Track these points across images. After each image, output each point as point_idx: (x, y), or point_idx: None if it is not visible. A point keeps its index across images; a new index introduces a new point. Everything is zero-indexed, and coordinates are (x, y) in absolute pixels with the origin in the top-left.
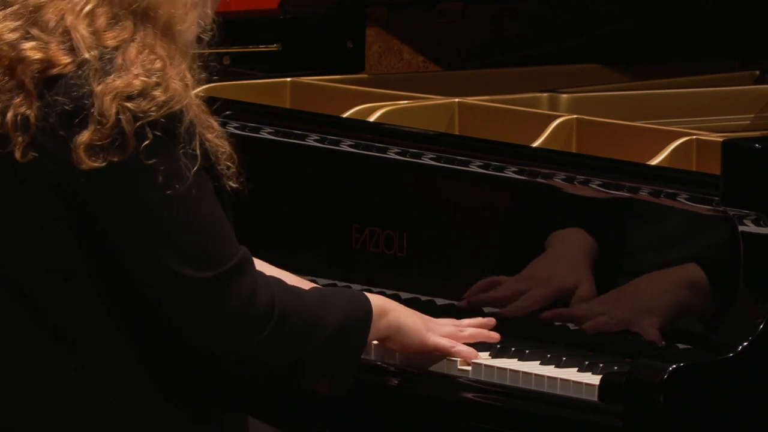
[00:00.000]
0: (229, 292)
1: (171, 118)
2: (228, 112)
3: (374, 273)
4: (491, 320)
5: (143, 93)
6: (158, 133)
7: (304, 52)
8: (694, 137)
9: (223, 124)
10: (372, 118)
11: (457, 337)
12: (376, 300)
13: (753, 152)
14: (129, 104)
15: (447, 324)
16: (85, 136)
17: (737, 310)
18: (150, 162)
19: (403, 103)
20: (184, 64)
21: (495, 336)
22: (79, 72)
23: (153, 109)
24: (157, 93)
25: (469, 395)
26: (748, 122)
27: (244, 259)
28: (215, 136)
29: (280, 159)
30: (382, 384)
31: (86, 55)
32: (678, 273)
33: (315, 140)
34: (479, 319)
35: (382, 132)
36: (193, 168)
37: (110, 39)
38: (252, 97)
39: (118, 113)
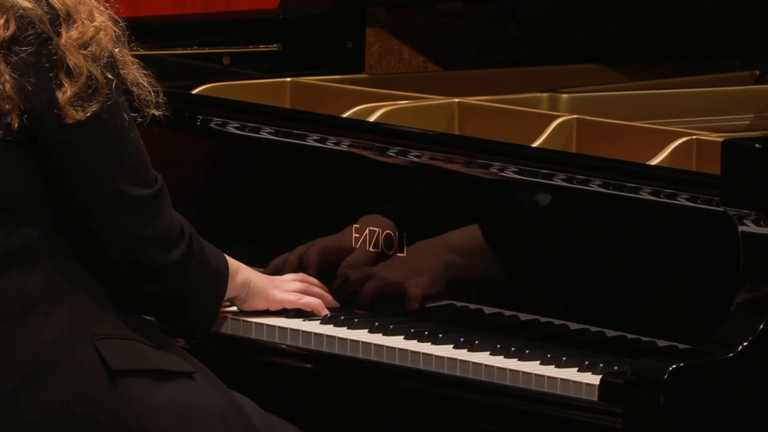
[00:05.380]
0: (160, 208)
1: (113, 57)
2: (227, 112)
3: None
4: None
5: (93, 39)
6: (115, 72)
7: (304, 52)
8: (694, 137)
9: (224, 124)
10: (372, 118)
11: (307, 292)
12: (229, 258)
13: (753, 152)
14: (87, 52)
15: (294, 280)
16: (67, 91)
17: (737, 310)
18: (121, 99)
19: (403, 103)
20: None
21: (333, 302)
22: (33, 28)
23: (104, 51)
24: (101, 36)
25: (470, 395)
26: (748, 122)
27: (162, 180)
28: (135, 66)
29: (280, 159)
30: (373, 382)
31: (28, 5)
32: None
33: (315, 140)
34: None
35: (382, 132)
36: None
37: None
38: (252, 97)
39: (86, 63)
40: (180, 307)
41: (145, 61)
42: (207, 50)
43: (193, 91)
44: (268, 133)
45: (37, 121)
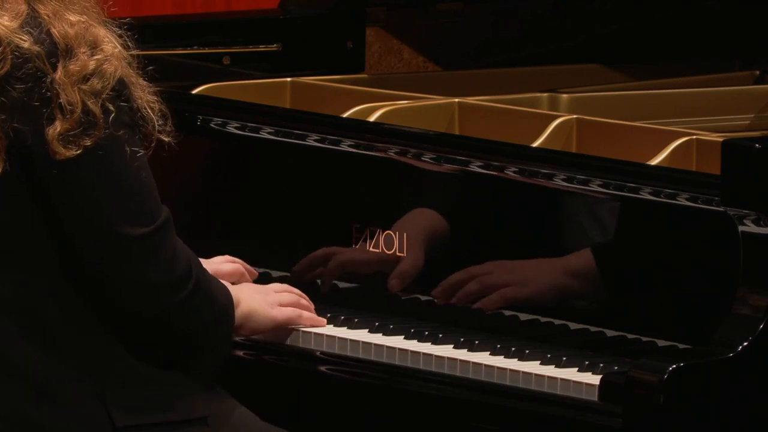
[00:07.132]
0: (160, 248)
1: (120, 85)
2: (227, 112)
3: (374, 273)
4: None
5: (95, 71)
6: (119, 103)
7: (304, 52)
8: (694, 137)
9: (224, 124)
10: (372, 118)
11: (298, 304)
12: (230, 289)
13: (753, 152)
14: (86, 86)
15: (282, 291)
16: (57, 128)
17: (737, 310)
18: (119, 133)
19: (403, 103)
20: (96, 17)
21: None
22: (28, 65)
23: (107, 84)
24: (105, 67)
25: (470, 395)
26: (748, 122)
27: (168, 216)
28: (146, 91)
29: (280, 159)
30: (377, 383)
31: (25, 45)
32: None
33: (315, 140)
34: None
35: (382, 132)
36: (135, 128)
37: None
38: (252, 97)
39: (82, 99)
40: (188, 347)
41: (145, 62)
42: (207, 50)
43: (193, 91)
44: (268, 133)
45: (26, 159)
